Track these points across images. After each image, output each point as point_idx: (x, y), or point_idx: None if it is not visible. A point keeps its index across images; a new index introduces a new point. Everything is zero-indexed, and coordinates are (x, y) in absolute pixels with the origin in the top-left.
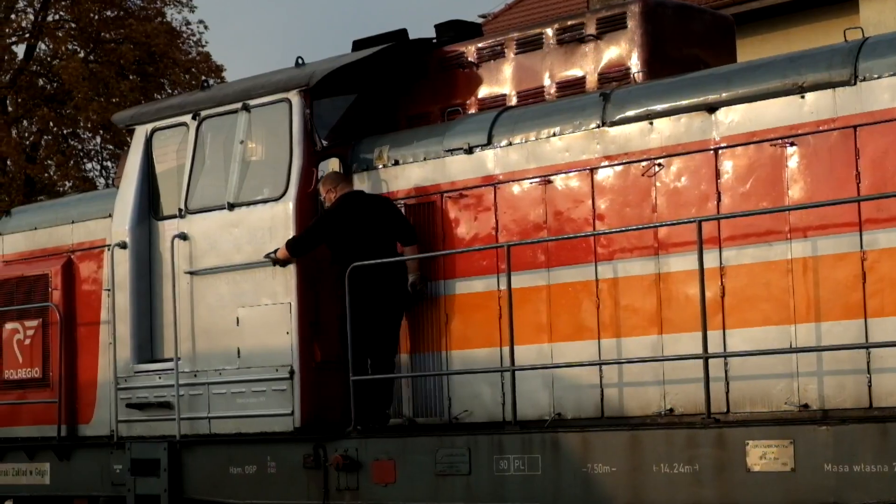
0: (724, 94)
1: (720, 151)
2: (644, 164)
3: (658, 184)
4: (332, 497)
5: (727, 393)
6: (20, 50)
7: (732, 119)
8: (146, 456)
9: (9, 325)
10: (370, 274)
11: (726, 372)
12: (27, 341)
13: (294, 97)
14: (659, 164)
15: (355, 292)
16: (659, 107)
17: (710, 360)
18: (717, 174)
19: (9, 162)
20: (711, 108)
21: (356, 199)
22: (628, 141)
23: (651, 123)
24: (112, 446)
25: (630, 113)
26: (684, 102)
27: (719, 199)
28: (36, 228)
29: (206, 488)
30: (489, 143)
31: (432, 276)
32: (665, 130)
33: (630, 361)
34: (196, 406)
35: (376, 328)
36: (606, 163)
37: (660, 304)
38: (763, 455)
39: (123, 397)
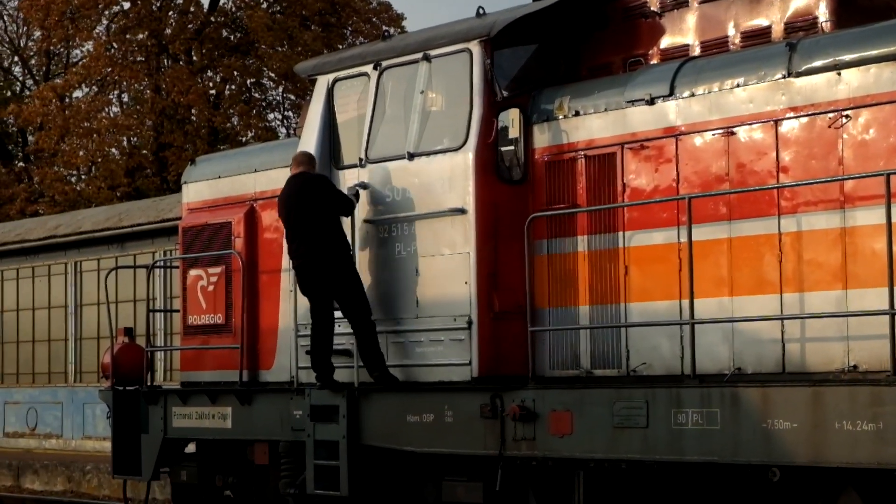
0: None
1: None
2: (831, 115)
3: (845, 136)
4: (509, 447)
5: None
6: (206, 1)
7: None
8: (325, 402)
9: (193, 272)
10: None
11: None
12: (210, 288)
13: (475, 47)
14: (846, 116)
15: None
16: (847, 57)
17: None
18: None
19: (194, 111)
20: None
21: (290, 182)
22: (815, 92)
23: (839, 74)
24: (292, 392)
25: (817, 63)
26: (874, 52)
27: None
28: (219, 177)
29: (384, 435)
30: (671, 94)
31: (612, 228)
32: (853, 81)
33: (814, 316)
34: None
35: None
36: (791, 114)
37: (845, 259)
38: None
39: (304, 344)
